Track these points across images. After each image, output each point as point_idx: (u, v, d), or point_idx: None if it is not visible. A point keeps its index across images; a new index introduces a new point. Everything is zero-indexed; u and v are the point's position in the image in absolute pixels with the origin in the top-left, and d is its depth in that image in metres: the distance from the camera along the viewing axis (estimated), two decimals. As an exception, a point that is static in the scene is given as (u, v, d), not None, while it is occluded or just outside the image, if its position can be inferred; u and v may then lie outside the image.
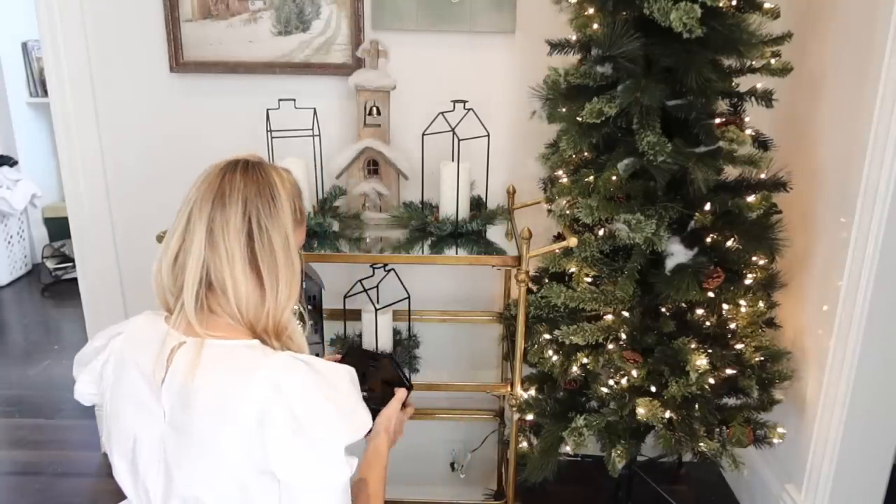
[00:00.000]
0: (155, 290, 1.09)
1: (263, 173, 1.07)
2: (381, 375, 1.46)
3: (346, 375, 1.08)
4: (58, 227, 3.99)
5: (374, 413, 1.30)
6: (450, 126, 1.73)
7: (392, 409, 1.35)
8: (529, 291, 1.70)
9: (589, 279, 1.63)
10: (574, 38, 1.61)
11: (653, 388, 1.57)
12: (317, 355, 1.57)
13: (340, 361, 1.40)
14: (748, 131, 1.55)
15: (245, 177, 1.05)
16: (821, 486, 1.78)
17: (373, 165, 1.91)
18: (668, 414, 1.54)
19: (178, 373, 1.01)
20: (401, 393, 1.39)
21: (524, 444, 1.80)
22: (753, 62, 1.54)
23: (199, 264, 1.02)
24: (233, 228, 1.02)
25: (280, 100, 1.79)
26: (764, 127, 1.71)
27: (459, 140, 1.73)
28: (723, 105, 1.59)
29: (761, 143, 1.64)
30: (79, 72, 2.02)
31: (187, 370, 1.00)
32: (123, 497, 1.17)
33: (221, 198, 1.03)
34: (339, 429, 1.02)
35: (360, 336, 1.93)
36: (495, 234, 1.85)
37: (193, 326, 1.03)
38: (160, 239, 1.60)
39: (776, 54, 1.56)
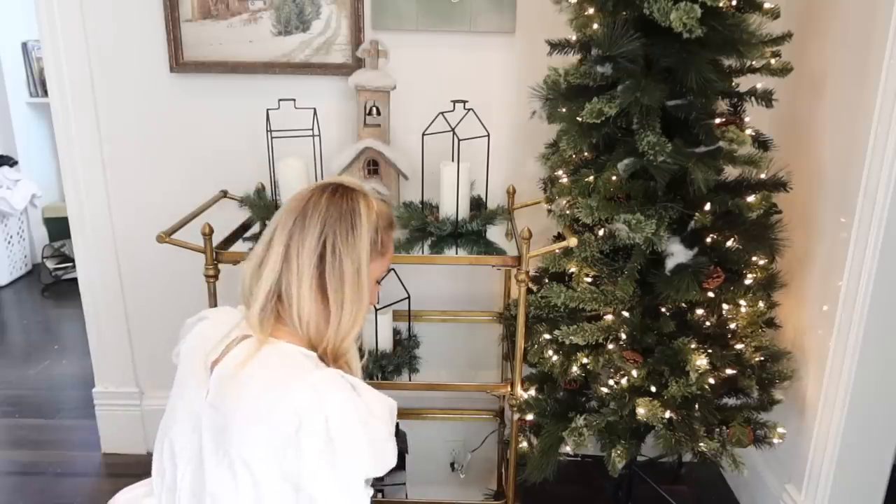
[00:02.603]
0: (240, 289, 1.14)
1: (350, 200, 1.11)
2: None
3: (387, 408, 1.10)
4: (58, 227, 3.99)
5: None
6: (450, 126, 1.73)
7: None
8: (529, 291, 1.70)
9: (589, 279, 1.63)
10: (574, 38, 1.61)
11: (653, 388, 1.57)
12: None
13: None
14: (748, 131, 1.55)
15: (330, 201, 1.09)
16: (821, 486, 1.78)
17: (373, 165, 1.91)
18: (668, 414, 1.54)
19: (233, 361, 1.05)
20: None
21: (524, 444, 1.80)
22: (753, 62, 1.54)
23: (274, 276, 1.08)
24: (307, 248, 1.07)
25: (280, 100, 1.79)
26: (764, 127, 1.71)
27: (459, 140, 1.73)
28: (723, 105, 1.59)
29: (761, 143, 1.64)
30: (79, 72, 2.02)
31: (241, 361, 1.04)
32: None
33: (303, 217, 1.08)
34: (365, 459, 1.04)
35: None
36: (495, 234, 1.85)
37: (256, 329, 1.07)
38: (161, 240, 1.60)
39: (776, 54, 1.57)
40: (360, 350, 1.18)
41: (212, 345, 1.10)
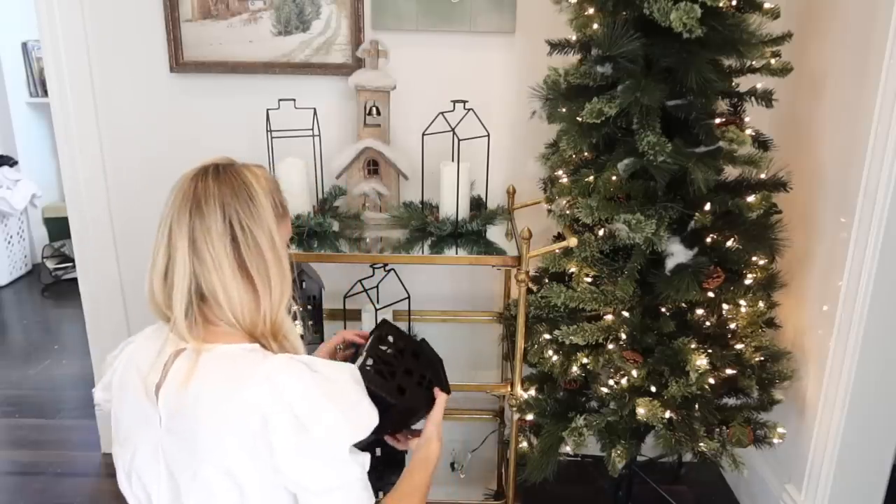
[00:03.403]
0: (150, 307, 1.07)
1: (236, 174, 1.05)
2: (420, 370, 1.33)
3: (347, 372, 1.07)
4: (58, 227, 3.99)
5: (409, 411, 1.26)
6: (450, 126, 1.73)
7: (439, 414, 1.29)
8: (529, 291, 1.70)
9: (589, 279, 1.63)
10: (574, 38, 1.61)
11: (653, 388, 1.57)
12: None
13: (372, 333, 1.34)
14: (748, 131, 1.55)
15: (218, 181, 1.03)
16: (821, 486, 1.78)
17: (373, 165, 1.91)
18: (668, 414, 1.54)
19: (175, 379, 1.00)
20: (442, 398, 1.31)
21: (524, 444, 1.80)
22: (753, 62, 1.54)
23: (188, 277, 1.01)
24: (215, 235, 1.00)
25: (280, 100, 1.79)
26: (764, 127, 1.71)
27: (459, 140, 1.73)
28: (723, 105, 1.59)
29: (761, 143, 1.63)
30: (79, 72, 2.02)
31: (184, 377, 0.99)
32: (122, 497, 1.17)
33: (198, 206, 1.01)
34: (342, 427, 1.00)
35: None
36: (495, 234, 1.85)
37: (187, 339, 1.01)
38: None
39: (776, 54, 1.56)
40: (296, 318, 1.14)
41: (147, 369, 1.04)
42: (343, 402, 1.02)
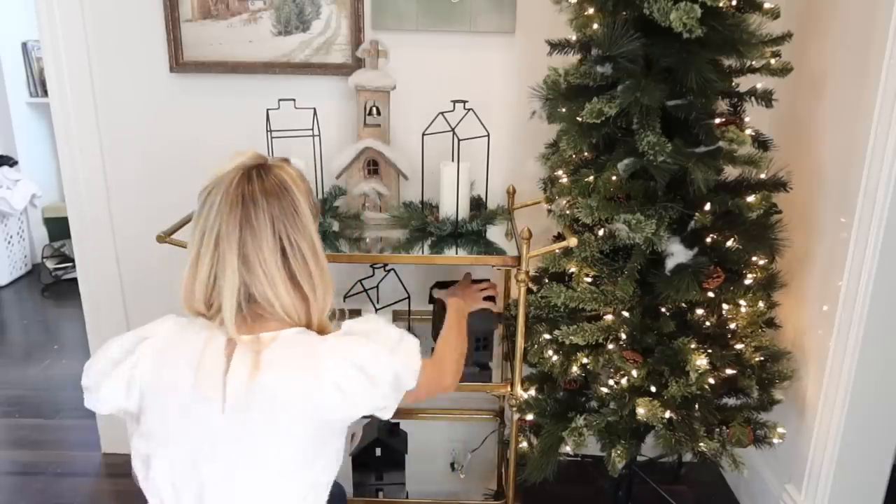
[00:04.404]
0: (185, 307, 1.11)
1: (278, 182, 1.08)
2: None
3: (380, 321, 1.19)
4: (58, 227, 4.00)
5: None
6: (450, 126, 1.73)
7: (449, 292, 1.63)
8: (529, 291, 1.70)
9: (589, 279, 1.63)
10: (574, 38, 1.61)
11: (653, 388, 1.57)
12: None
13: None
14: (748, 131, 1.55)
15: (264, 192, 1.06)
16: (821, 486, 1.78)
17: (373, 165, 1.91)
18: (668, 414, 1.54)
19: (243, 368, 1.04)
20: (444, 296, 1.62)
21: (524, 444, 1.80)
22: (753, 62, 1.54)
23: (237, 286, 1.05)
24: (267, 252, 1.05)
25: (280, 100, 1.79)
26: (764, 127, 1.71)
27: (459, 140, 1.73)
28: (723, 105, 1.59)
29: (761, 143, 1.63)
30: (79, 72, 2.02)
31: (252, 364, 1.03)
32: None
33: (248, 220, 1.04)
34: (396, 361, 1.13)
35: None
36: (495, 234, 1.85)
37: (237, 334, 1.06)
38: (161, 240, 1.60)
39: (776, 54, 1.56)
40: (332, 315, 1.20)
41: (197, 361, 1.05)
42: (390, 343, 1.14)
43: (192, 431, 1.06)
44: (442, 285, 1.90)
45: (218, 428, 1.04)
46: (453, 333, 1.50)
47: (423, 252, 1.74)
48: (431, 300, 1.88)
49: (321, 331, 1.13)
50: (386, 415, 1.15)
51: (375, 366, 1.09)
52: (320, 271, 1.11)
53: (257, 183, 1.06)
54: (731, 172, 1.63)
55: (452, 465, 2.23)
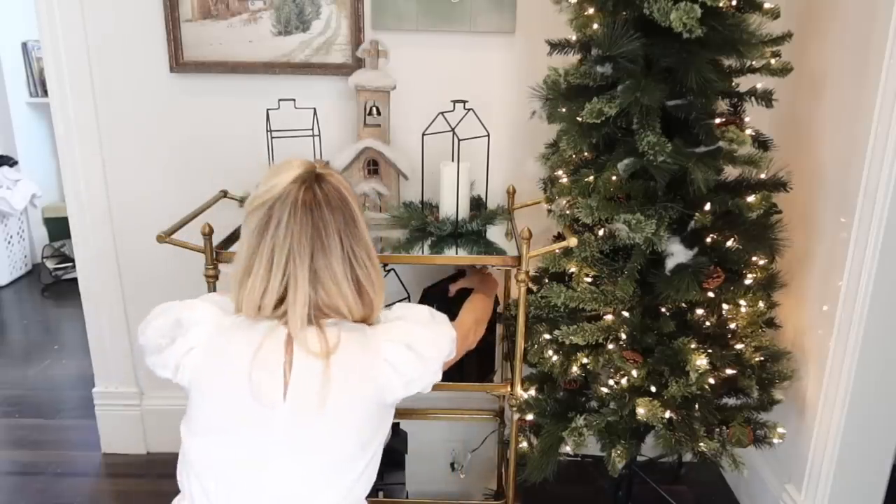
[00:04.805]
0: (246, 310, 1.13)
1: (337, 193, 1.12)
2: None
3: (416, 307, 1.27)
4: (58, 227, 4.00)
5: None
6: (450, 126, 1.73)
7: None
8: (529, 291, 1.70)
9: (589, 279, 1.63)
10: (574, 38, 1.61)
11: (653, 388, 1.57)
12: None
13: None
14: (748, 131, 1.54)
15: (330, 208, 1.10)
16: (821, 486, 1.78)
17: (373, 165, 1.91)
18: (668, 414, 1.54)
19: (310, 353, 1.08)
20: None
21: (524, 444, 1.80)
22: (753, 62, 1.54)
23: (307, 300, 1.09)
24: (336, 265, 1.10)
25: (280, 100, 1.79)
26: (764, 127, 1.71)
27: (459, 140, 1.73)
28: (723, 105, 1.59)
29: (761, 143, 1.63)
30: (79, 72, 2.02)
31: (321, 349, 1.08)
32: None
33: (319, 239, 1.09)
34: (438, 338, 1.23)
35: None
36: (495, 234, 1.85)
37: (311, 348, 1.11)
38: (161, 240, 1.60)
39: (776, 54, 1.56)
40: None
41: (248, 366, 1.08)
42: (425, 320, 1.24)
43: (252, 420, 1.09)
44: (434, 287, 1.91)
45: (281, 415, 1.08)
46: (480, 304, 1.65)
47: (423, 252, 1.74)
48: (423, 301, 1.90)
49: (373, 324, 1.20)
50: (429, 389, 1.23)
51: (422, 343, 1.18)
52: (377, 273, 1.17)
53: (321, 197, 1.10)
54: (731, 172, 1.63)
55: (452, 465, 2.23)
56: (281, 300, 1.11)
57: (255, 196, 1.12)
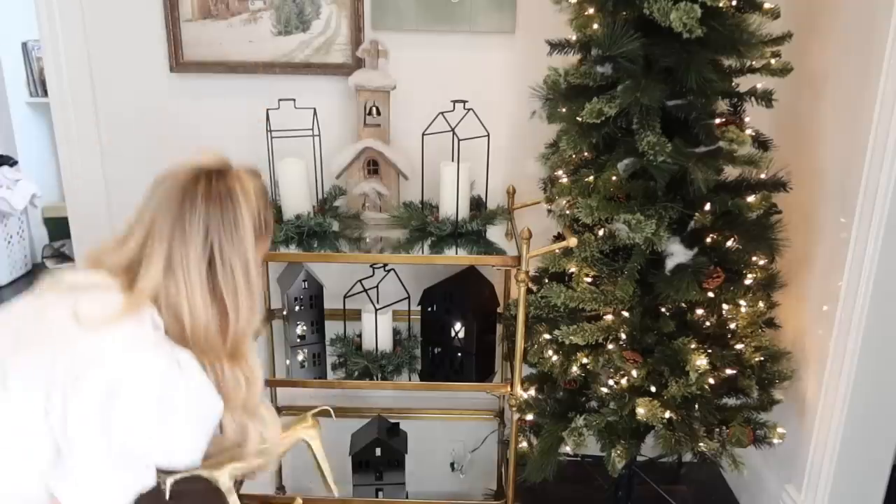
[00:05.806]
0: (91, 256, 1.07)
1: (228, 191, 1.05)
2: None
3: (207, 405, 1.07)
4: (58, 227, 3.99)
5: None
6: (450, 126, 1.73)
7: None
8: (529, 291, 1.70)
9: (589, 279, 1.63)
10: (574, 38, 1.61)
11: (653, 388, 1.57)
12: (317, 355, 1.63)
13: None
14: (748, 131, 1.54)
15: (208, 199, 1.04)
16: (821, 486, 1.78)
17: (373, 165, 1.91)
18: (668, 414, 1.54)
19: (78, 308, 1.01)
20: None
21: (524, 444, 1.80)
22: (753, 62, 1.54)
23: (154, 283, 1.02)
24: (193, 258, 1.02)
25: (280, 100, 1.79)
26: (764, 127, 1.71)
27: (459, 140, 1.73)
28: (723, 105, 1.59)
29: (761, 143, 1.63)
30: (79, 72, 2.02)
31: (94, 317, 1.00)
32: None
33: (182, 223, 1.02)
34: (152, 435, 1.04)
35: (360, 336, 1.93)
36: (495, 234, 1.85)
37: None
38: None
39: (776, 54, 1.56)
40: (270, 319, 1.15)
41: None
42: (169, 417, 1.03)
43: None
44: (434, 289, 1.90)
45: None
46: None
47: (423, 252, 1.75)
48: (422, 303, 1.90)
49: (233, 352, 1.07)
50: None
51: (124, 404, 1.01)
52: (248, 291, 1.06)
53: (203, 187, 1.04)
54: (731, 172, 1.63)
55: (452, 465, 2.23)
56: (130, 269, 1.04)
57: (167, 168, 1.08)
